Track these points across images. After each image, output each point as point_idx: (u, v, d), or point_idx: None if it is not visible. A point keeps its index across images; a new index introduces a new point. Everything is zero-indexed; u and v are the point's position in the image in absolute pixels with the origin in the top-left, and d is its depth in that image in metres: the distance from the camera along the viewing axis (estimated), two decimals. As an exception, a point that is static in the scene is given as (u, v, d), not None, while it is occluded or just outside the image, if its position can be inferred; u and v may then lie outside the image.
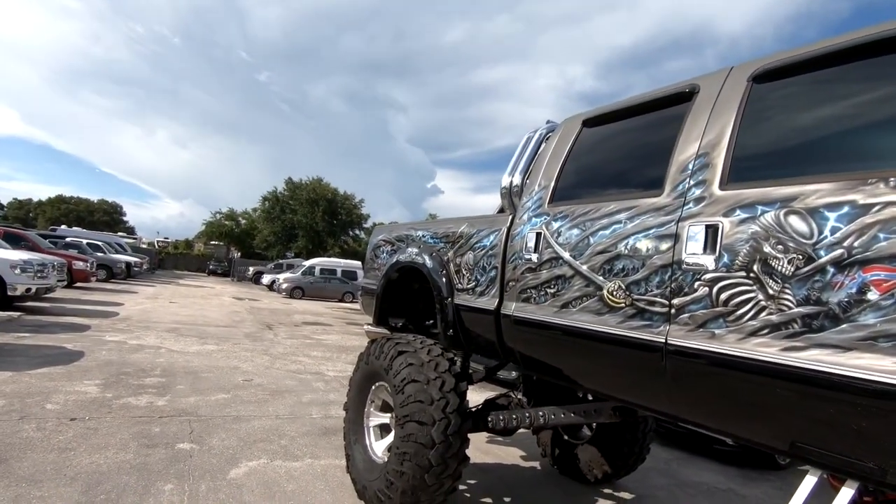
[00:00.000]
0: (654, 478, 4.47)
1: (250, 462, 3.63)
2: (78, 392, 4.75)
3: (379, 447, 3.26)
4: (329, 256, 34.19)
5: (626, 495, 3.99)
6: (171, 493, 3.01)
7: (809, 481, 1.66)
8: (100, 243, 21.08)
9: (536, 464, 4.47)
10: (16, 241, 12.51)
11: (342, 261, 28.53)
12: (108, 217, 69.49)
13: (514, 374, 5.21)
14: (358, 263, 27.76)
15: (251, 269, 35.96)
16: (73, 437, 3.65)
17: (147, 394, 5.00)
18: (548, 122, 3.24)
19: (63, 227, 31.02)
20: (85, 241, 19.54)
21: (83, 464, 3.24)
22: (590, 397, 3.76)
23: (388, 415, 3.31)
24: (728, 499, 4.22)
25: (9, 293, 8.91)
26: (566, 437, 4.22)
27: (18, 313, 8.89)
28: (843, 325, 1.44)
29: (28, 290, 9.21)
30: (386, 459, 3.03)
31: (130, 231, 68.77)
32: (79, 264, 14.52)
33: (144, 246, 47.84)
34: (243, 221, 50.67)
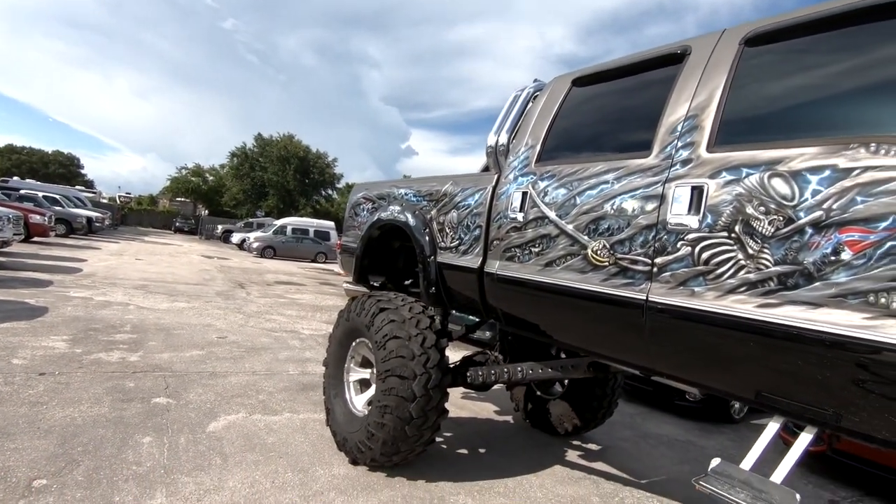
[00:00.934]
0: (620, 430, 4.72)
1: (229, 416, 3.64)
2: (45, 347, 4.63)
3: (359, 401, 3.32)
4: (301, 216, 33.60)
5: (593, 446, 4.21)
6: (149, 445, 3.01)
7: (772, 427, 1.79)
8: (57, 197, 20.01)
9: (510, 418, 4.65)
10: (-36, 192, 11.79)
11: (315, 221, 28.08)
12: (63, 169, 65.76)
13: (488, 334, 5.34)
14: (331, 224, 27.41)
15: (220, 227, 35.03)
16: (44, 392, 3.58)
17: (118, 350, 4.91)
18: (535, 80, 3.20)
19: (16, 178, 29.31)
20: (41, 194, 18.54)
21: (56, 417, 3.19)
22: (563, 354, 3.91)
23: (369, 370, 3.36)
24: (687, 449, 4.51)
25: (-39, 246, 8.46)
26: (539, 393, 4.39)
27: (-27, 267, 8.48)
28: (816, 283, 1.52)
29: (-18, 243, 8.76)
30: (366, 413, 3.10)
31: (89, 185, 65.44)
32: (36, 218, 13.81)
33: (105, 201, 45.76)
34: (211, 178, 49.00)
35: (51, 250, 13.36)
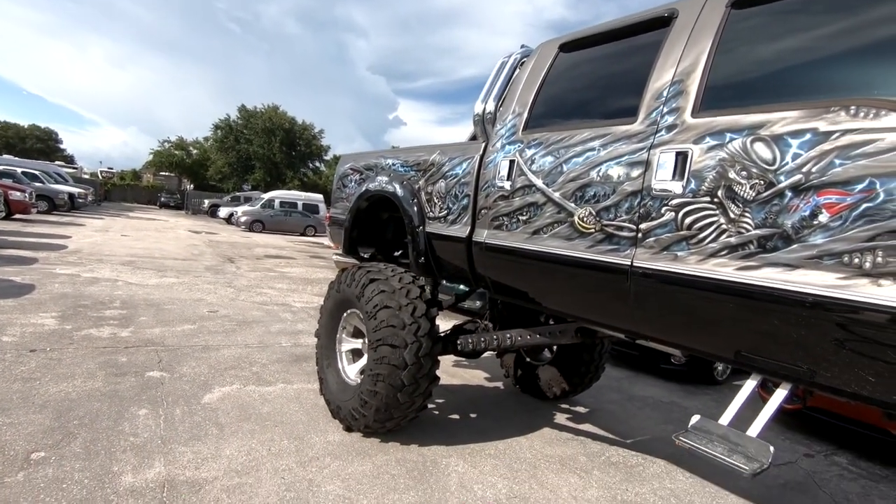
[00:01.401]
0: (607, 393, 4.86)
1: (223, 388, 3.69)
2: (34, 324, 4.61)
3: (351, 370, 3.38)
4: (288, 189, 33.20)
5: (581, 409, 4.34)
6: (145, 417, 3.05)
7: (749, 385, 1.86)
8: (37, 172, 19.51)
9: (500, 384, 4.76)
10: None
11: (303, 193, 27.78)
12: (41, 144, 63.91)
13: (478, 303, 5.41)
14: (320, 196, 27.14)
15: (206, 201, 34.56)
16: (37, 368, 3.59)
17: (109, 325, 4.91)
18: (522, 46, 3.15)
19: (-8, 154, 28.48)
20: (20, 170, 18.08)
21: (50, 392, 3.21)
22: (551, 321, 3.98)
23: (360, 340, 3.40)
24: (671, 410, 4.67)
25: (-60, 224, 8.28)
26: (528, 359, 4.49)
27: (-46, 246, 8.33)
28: (794, 245, 1.56)
29: (-38, 221, 8.58)
30: (359, 381, 3.16)
31: (69, 160, 63.89)
32: (16, 195, 13.52)
33: (87, 176, 44.84)
34: (195, 151, 48.05)
35: (33, 227, 13.12)
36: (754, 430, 1.75)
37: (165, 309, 5.89)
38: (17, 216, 14.11)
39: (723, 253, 1.72)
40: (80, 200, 22.04)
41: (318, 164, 47.00)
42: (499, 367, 4.84)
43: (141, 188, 47.14)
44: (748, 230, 1.67)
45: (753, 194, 1.66)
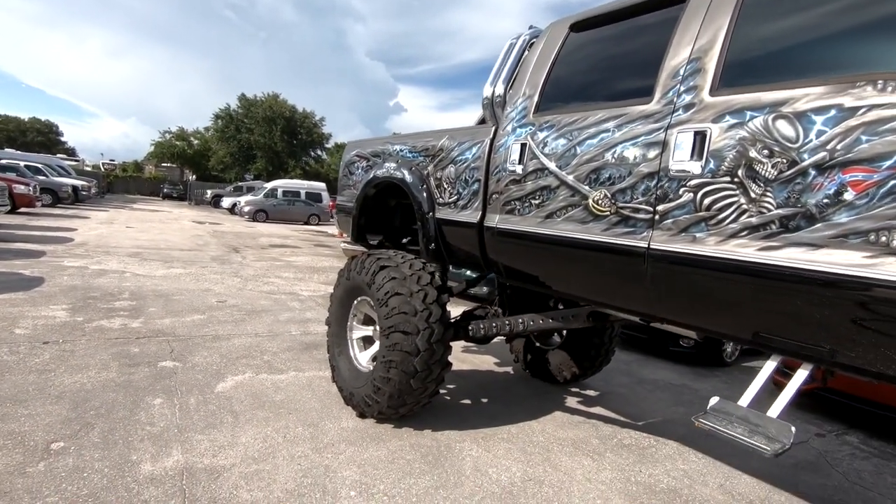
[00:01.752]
0: (616, 377, 4.87)
1: (236, 377, 3.71)
2: (45, 317, 4.64)
3: (363, 357, 3.39)
4: (290, 178, 33.12)
5: (591, 392, 4.35)
6: (161, 406, 3.08)
7: (769, 366, 1.85)
8: (40, 166, 19.52)
9: (509, 369, 4.78)
10: (-56, 164, 11.45)
11: (306, 182, 27.72)
12: (42, 137, 63.78)
13: (485, 289, 5.40)
14: (322, 185, 27.09)
15: (209, 192, 34.54)
16: (51, 360, 3.61)
17: (119, 317, 4.93)
18: (531, 27, 3.10)
19: (-6, 148, 28.47)
20: (23, 164, 18.06)
21: (66, 383, 3.24)
22: (561, 305, 3.98)
23: (371, 328, 3.41)
24: (681, 392, 4.68)
25: (-53, 219, 8.31)
26: (538, 344, 4.49)
27: (-38, 240, 8.36)
28: (818, 225, 1.53)
29: (-32, 215, 8.60)
30: (371, 368, 3.17)
31: (70, 153, 63.78)
32: (20, 188, 13.54)
33: (89, 168, 44.79)
34: (196, 142, 47.89)
35: (39, 220, 13.16)
36: (774, 411, 1.74)
37: (174, 299, 5.92)
38: (22, 210, 14.14)
39: (744, 233, 1.70)
40: (84, 193, 22.10)
41: (319, 152, 46.83)
42: (507, 351, 4.85)
43: (143, 180, 47.16)
44: (770, 210, 1.64)
45: (775, 173, 1.63)
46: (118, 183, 43.79)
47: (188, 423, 2.90)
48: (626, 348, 5.91)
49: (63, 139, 69.89)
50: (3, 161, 17.44)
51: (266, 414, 3.13)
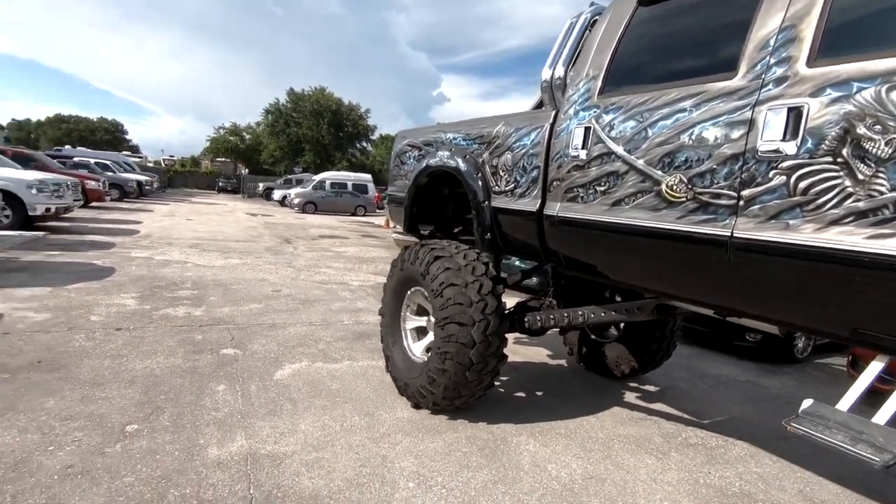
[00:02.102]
0: (676, 371, 4.65)
1: (293, 365, 3.79)
2: (117, 305, 4.91)
3: (417, 348, 3.37)
4: (337, 170, 33.77)
5: (650, 387, 4.17)
6: (224, 392, 3.18)
7: (875, 367, 1.67)
8: (108, 162, 20.86)
9: (563, 362, 4.65)
10: (25, 162, 12.31)
11: (352, 174, 28.19)
12: (110, 136, 68.03)
13: (535, 280, 5.27)
14: (368, 177, 27.45)
15: (261, 185, 35.76)
16: (123, 345, 3.81)
17: (183, 305, 5.16)
18: (592, 4, 2.93)
19: (67, 147, 30.60)
20: (93, 161, 19.33)
21: (137, 368, 3.40)
22: (618, 297, 3.81)
23: (424, 318, 3.38)
24: (748, 389, 4.41)
25: (29, 213, 8.97)
26: (593, 337, 4.34)
27: (42, 233, 9.01)
28: (944, 209, 1.34)
29: (48, 209, 9.25)
30: (426, 359, 3.14)
31: (135, 150, 67.80)
32: (91, 184, 14.47)
33: (151, 164, 47.48)
34: (248, 136, 49.64)
35: (108, 214, 14.05)
36: (881, 417, 1.57)
37: (232, 289, 6.13)
38: (94, 204, 15.13)
39: (848, 220, 1.52)
40: (147, 188, 23.44)
41: (364, 144, 47.49)
42: (560, 343, 4.73)
43: (200, 174, 49.51)
44: (881, 193, 1.46)
45: (889, 151, 1.44)
46: (177, 178, 46.17)
47: (250, 409, 2.98)
48: (684, 341, 5.63)
49: (128, 137, 74.33)
50: (76, 159, 18.70)
51: (323, 402, 3.17)
